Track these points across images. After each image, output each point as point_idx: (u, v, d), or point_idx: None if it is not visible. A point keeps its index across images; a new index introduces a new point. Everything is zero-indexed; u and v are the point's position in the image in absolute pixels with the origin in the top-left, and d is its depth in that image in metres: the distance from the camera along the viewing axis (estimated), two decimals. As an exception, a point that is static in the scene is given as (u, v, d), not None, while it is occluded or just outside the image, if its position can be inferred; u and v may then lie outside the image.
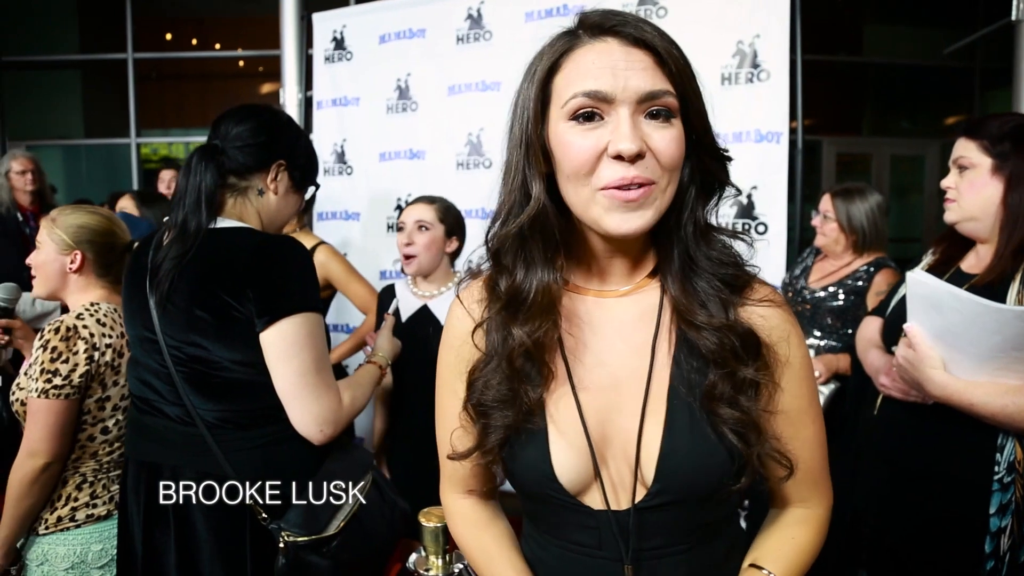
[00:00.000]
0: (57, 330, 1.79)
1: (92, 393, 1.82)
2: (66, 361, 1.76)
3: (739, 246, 1.02)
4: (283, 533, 1.54)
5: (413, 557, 1.44)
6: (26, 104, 9.12)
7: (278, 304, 1.53)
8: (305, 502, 1.58)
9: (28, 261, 1.96)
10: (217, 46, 10.45)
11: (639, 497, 0.97)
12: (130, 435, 1.72)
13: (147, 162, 9.21)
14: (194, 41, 10.88)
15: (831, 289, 3.01)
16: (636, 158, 0.87)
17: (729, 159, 1.00)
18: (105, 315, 1.88)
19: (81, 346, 1.79)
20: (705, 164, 0.97)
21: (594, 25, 0.93)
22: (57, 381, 1.75)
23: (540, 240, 0.98)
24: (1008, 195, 1.66)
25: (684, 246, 0.98)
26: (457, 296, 1.11)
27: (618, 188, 0.89)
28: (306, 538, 1.55)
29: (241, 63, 10.28)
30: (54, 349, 1.76)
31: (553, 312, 0.99)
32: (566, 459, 0.98)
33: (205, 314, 1.53)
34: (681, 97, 0.91)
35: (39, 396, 1.74)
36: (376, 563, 1.75)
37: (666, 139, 0.89)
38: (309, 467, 1.63)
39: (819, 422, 1.06)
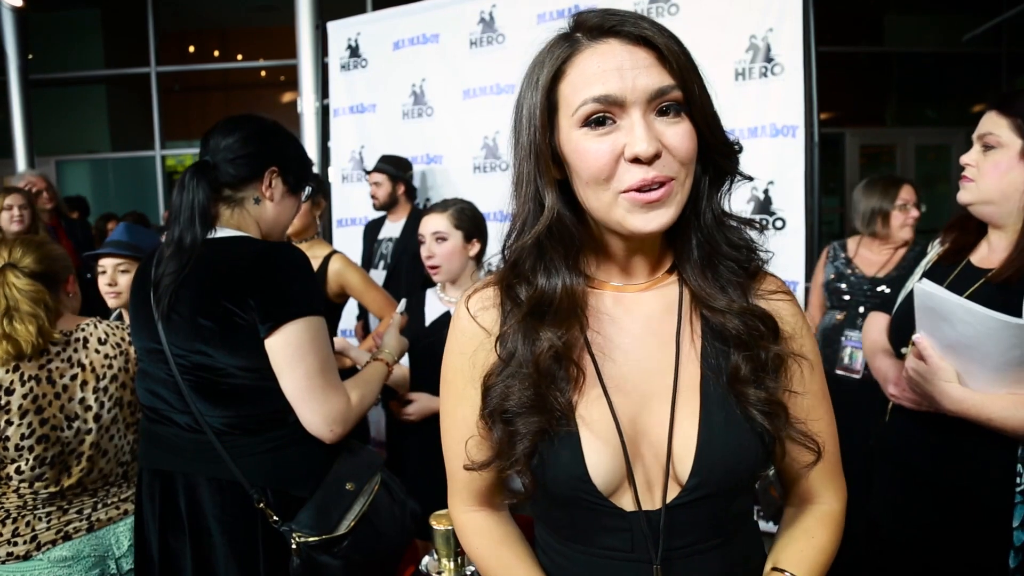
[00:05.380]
0: None
1: None
2: None
3: (752, 233, 1.03)
4: (294, 534, 1.56)
5: (426, 560, 1.44)
6: (53, 120, 9.30)
7: (280, 310, 1.55)
8: (315, 504, 1.61)
9: None
10: (239, 57, 10.59)
11: (673, 494, 0.95)
12: (143, 444, 1.74)
13: (173, 173, 9.35)
14: (216, 53, 11.03)
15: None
16: (654, 159, 0.87)
17: (737, 150, 1.00)
18: None
19: None
20: (713, 156, 0.96)
21: (593, 27, 0.91)
22: None
23: (560, 247, 0.97)
24: None
25: (703, 235, 0.99)
26: (465, 304, 1.06)
27: (639, 191, 0.89)
28: (316, 538, 1.57)
29: (263, 73, 10.40)
30: None
31: (579, 313, 0.99)
32: (599, 459, 0.95)
33: (209, 322, 1.56)
34: (685, 91, 0.90)
35: None
36: (388, 563, 1.77)
37: (679, 135, 0.89)
38: (318, 469, 1.65)
39: (831, 414, 1.07)
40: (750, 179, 1.03)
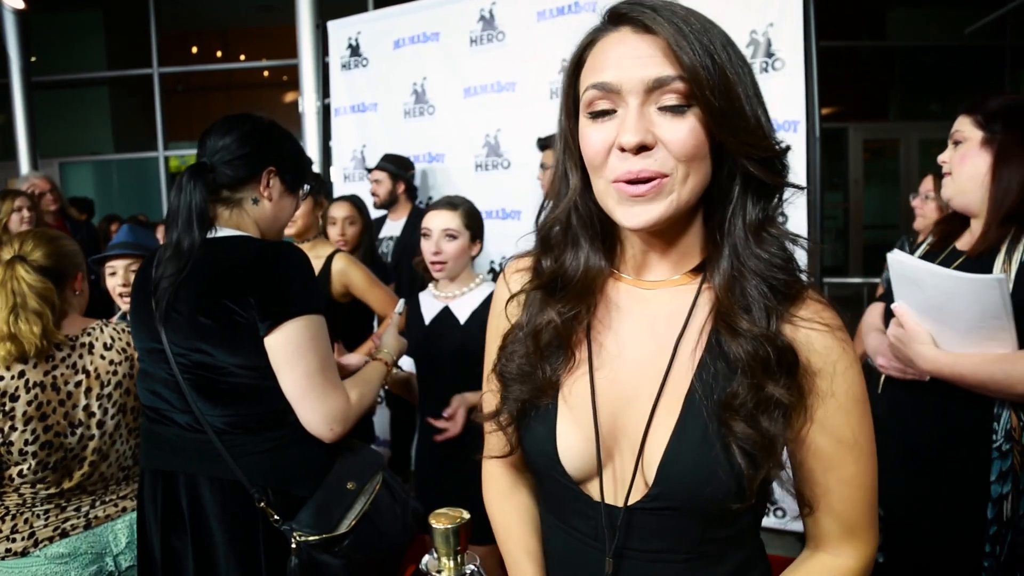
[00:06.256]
0: None
1: None
2: None
3: (798, 253, 0.96)
4: (295, 533, 1.56)
5: (425, 559, 1.44)
6: (56, 122, 9.32)
7: (280, 308, 1.56)
8: (316, 503, 1.61)
9: None
10: (241, 57, 10.60)
11: (639, 496, 0.95)
12: (144, 445, 1.74)
13: (177, 174, 9.36)
14: (219, 53, 11.04)
15: None
16: (640, 150, 0.85)
17: (779, 152, 0.93)
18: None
19: None
20: (738, 158, 0.90)
21: (612, 15, 0.92)
22: None
23: (584, 227, 1.00)
24: (996, 168, 1.70)
25: (732, 244, 0.92)
26: (503, 268, 1.15)
27: (626, 182, 0.87)
28: (317, 537, 1.57)
29: (266, 73, 10.41)
30: None
31: (590, 296, 1.00)
32: (572, 444, 0.98)
33: (209, 321, 1.56)
34: (694, 84, 0.84)
35: None
36: (390, 563, 1.77)
37: (676, 129, 0.85)
38: (319, 469, 1.65)
39: (865, 463, 0.95)
40: (801, 188, 0.96)
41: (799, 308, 0.93)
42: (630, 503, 0.96)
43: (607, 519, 0.97)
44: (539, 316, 1.01)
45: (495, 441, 1.14)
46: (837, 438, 0.93)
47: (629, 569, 0.98)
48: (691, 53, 0.84)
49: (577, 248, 1.01)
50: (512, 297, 1.07)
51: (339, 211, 3.53)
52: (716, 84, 0.85)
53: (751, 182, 0.92)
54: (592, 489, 0.99)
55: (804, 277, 0.95)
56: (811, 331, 0.92)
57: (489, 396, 1.10)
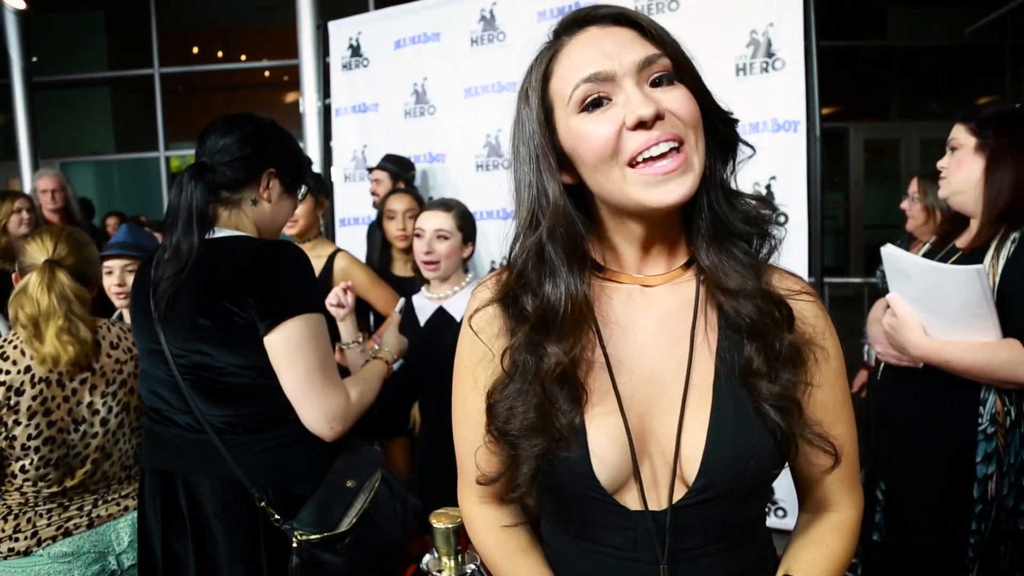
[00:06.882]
0: None
1: None
2: None
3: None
4: (296, 532, 1.57)
5: (426, 558, 1.44)
6: (58, 122, 9.33)
7: (279, 307, 1.56)
8: (316, 501, 1.61)
9: None
10: (243, 57, 10.61)
11: (679, 495, 0.94)
12: (145, 445, 1.75)
13: (177, 175, 9.36)
14: (220, 53, 11.05)
15: None
16: (656, 120, 0.87)
17: (735, 120, 0.99)
18: (14, 348, 1.85)
19: None
20: (714, 123, 0.96)
21: (570, 23, 0.95)
22: None
23: (562, 248, 0.95)
24: (989, 172, 1.84)
25: (713, 211, 0.97)
26: (468, 322, 1.06)
27: (649, 160, 0.87)
28: (318, 536, 1.58)
29: (267, 73, 10.41)
30: None
31: (586, 323, 0.97)
32: (605, 457, 0.94)
33: (208, 321, 1.57)
34: (674, 60, 0.91)
35: None
36: (390, 560, 1.77)
37: (678, 98, 0.89)
38: (318, 467, 1.66)
39: (852, 421, 1.04)
40: (754, 149, 1.01)
41: (783, 282, 1.01)
42: (674, 502, 0.94)
43: (653, 525, 0.95)
44: (544, 359, 0.94)
45: (492, 488, 1.09)
46: (835, 396, 1.01)
47: (682, 571, 0.96)
48: (666, 35, 0.93)
49: (555, 276, 0.96)
50: (506, 350, 0.98)
51: (399, 204, 3.28)
52: (689, 62, 0.94)
53: (718, 146, 0.98)
54: (628, 499, 0.96)
55: (776, 232, 1.00)
56: (800, 302, 0.99)
57: (485, 452, 1.04)
